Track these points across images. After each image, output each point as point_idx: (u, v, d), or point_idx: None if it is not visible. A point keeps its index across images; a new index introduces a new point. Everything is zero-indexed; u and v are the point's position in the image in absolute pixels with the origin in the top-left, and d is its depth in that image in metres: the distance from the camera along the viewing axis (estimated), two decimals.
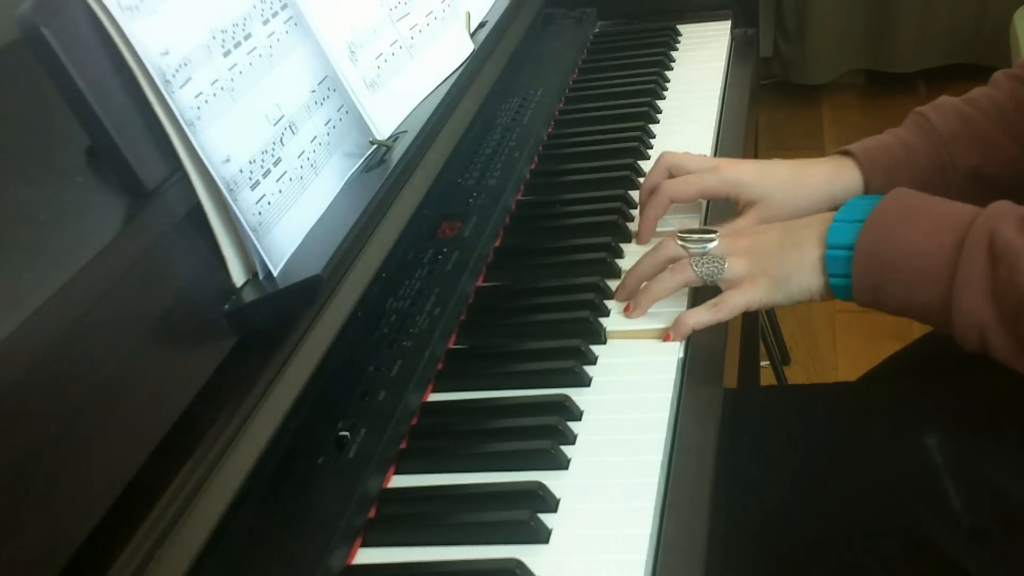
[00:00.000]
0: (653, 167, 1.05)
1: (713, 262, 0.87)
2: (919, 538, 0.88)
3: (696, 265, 0.87)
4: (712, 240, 0.88)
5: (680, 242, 0.89)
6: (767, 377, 1.97)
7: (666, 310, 0.90)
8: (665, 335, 0.86)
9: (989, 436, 0.88)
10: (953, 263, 0.78)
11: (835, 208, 0.96)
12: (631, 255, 1.01)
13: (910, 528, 0.89)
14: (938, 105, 1.03)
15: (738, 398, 0.96)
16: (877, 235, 0.82)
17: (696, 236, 0.89)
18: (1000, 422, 0.87)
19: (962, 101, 1.03)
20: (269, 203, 0.76)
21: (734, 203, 1.02)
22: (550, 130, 1.28)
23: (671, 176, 1.03)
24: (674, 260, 0.89)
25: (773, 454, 0.98)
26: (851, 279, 0.83)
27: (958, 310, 0.78)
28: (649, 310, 0.90)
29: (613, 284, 0.95)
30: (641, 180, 1.13)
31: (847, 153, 1.02)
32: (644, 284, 0.90)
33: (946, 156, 1.00)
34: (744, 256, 0.87)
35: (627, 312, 0.90)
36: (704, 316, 0.86)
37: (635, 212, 1.09)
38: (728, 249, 0.88)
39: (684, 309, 0.90)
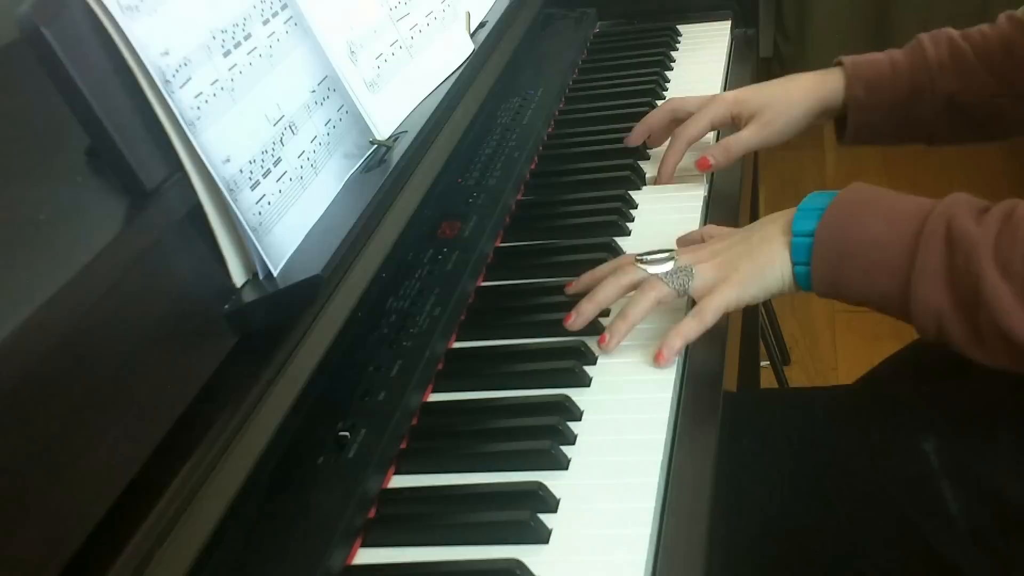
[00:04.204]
0: (656, 110, 1.18)
1: (682, 274, 0.86)
2: (917, 542, 0.88)
3: (667, 279, 0.86)
4: (672, 257, 0.88)
5: (641, 265, 0.88)
6: (767, 377, 1.97)
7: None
8: (657, 354, 0.84)
9: (986, 440, 0.88)
10: (911, 251, 0.79)
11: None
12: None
13: (907, 532, 0.89)
14: (936, 34, 1.14)
15: (737, 401, 0.96)
16: (836, 225, 0.82)
17: (655, 256, 0.88)
18: (996, 425, 0.87)
19: (959, 33, 1.13)
20: (269, 203, 0.76)
21: (735, 122, 1.13)
22: (550, 130, 1.28)
23: (676, 119, 1.15)
24: (636, 284, 0.88)
25: (771, 458, 0.98)
26: (810, 267, 0.83)
27: (916, 298, 0.78)
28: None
29: None
30: (641, 179, 1.14)
31: (839, 64, 1.14)
32: (618, 313, 0.87)
33: (927, 81, 1.11)
34: (709, 261, 0.87)
35: (602, 343, 0.86)
36: (691, 326, 0.84)
37: (635, 212, 1.09)
38: (692, 260, 0.87)
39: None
